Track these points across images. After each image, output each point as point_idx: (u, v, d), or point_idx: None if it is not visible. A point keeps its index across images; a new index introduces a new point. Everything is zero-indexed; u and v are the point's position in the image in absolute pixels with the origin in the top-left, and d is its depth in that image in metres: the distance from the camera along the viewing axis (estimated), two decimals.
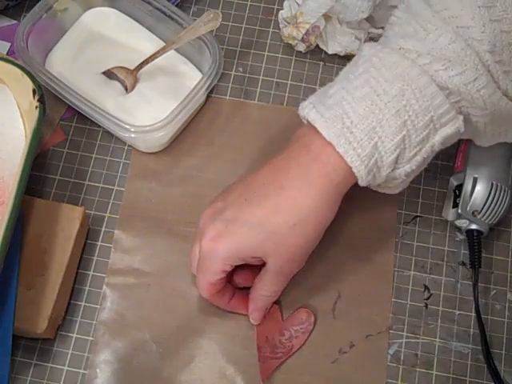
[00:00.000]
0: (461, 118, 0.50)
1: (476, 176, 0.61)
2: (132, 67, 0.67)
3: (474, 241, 0.61)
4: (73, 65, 0.68)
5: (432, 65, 0.49)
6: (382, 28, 0.68)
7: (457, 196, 0.63)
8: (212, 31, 0.66)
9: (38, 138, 0.59)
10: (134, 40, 0.70)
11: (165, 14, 0.67)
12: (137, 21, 0.70)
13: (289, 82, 0.70)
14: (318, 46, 0.70)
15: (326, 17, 0.68)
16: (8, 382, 0.55)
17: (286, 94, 0.70)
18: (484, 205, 0.60)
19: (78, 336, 0.61)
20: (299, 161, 0.52)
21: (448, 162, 0.67)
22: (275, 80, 0.70)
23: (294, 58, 0.71)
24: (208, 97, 0.69)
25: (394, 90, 0.49)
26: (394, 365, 0.60)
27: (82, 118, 0.66)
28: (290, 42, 0.70)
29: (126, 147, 0.68)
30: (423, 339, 0.61)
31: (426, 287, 0.63)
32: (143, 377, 0.59)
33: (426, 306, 0.62)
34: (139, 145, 0.67)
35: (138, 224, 0.64)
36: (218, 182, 0.65)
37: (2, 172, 0.61)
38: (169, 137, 0.66)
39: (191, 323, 0.61)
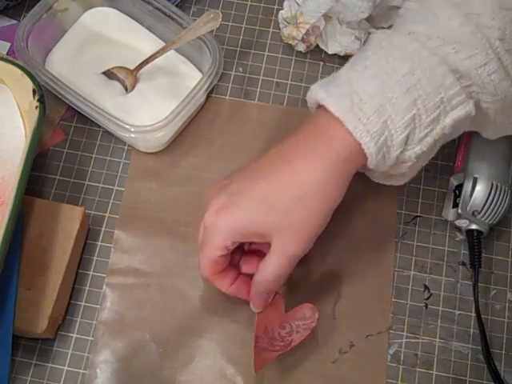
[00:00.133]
0: (471, 102, 0.50)
1: (476, 176, 0.61)
2: (132, 67, 0.67)
3: (474, 241, 0.61)
4: (73, 65, 0.68)
5: (442, 48, 0.49)
6: (382, 28, 0.68)
7: (457, 196, 0.63)
8: (212, 31, 0.66)
9: (38, 138, 0.59)
10: (133, 40, 0.70)
11: (165, 14, 0.67)
12: (137, 21, 0.70)
13: (289, 82, 0.70)
14: (318, 45, 0.70)
15: (326, 17, 0.68)
16: (8, 382, 0.55)
17: (286, 94, 0.70)
18: (484, 205, 0.60)
19: (78, 336, 0.61)
20: (306, 136, 0.51)
21: (448, 162, 0.67)
22: (275, 80, 0.70)
23: (293, 58, 0.71)
24: (208, 97, 0.69)
25: (404, 69, 0.48)
26: (394, 365, 0.60)
27: (82, 117, 0.66)
28: (289, 42, 0.70)
29: (125, 147, 0.68)
30: (423, 339, 0.61)
31: (425, 287, 0.63)
32: (143, 377, 0.59)
33: (426, 306, 0.62)
34: (139, 145, 0.67)
35: (137, 224, 0.64)
36: None
37: (2, 172, 0.61)
38: (169, 137, 0.66)
39: (191, 323, 0.61)
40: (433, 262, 0.63)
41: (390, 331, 0.61)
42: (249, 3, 0.74)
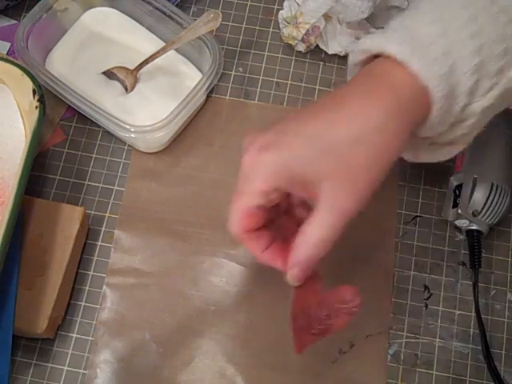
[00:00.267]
0: None
1: (476, 176, 0.61)
2: (132, 67, 0.67)
3: (474, 241, 0.61)
4: (73, 65, 0.68)
5: None
6: (382, 28, 0.68)
7: (457, 196, 0.63)
8: (212, 31, 0.66)
9: (38, 138, 0.59)
10: (133, 40, 0.70)
11: (165, 14, 0.67)
12: (137, 21, 0.71)
13: (289, 82, 0.70)
14: (318, 45, 0.70)
15: (326, 17, 0.68)
16: (8, 382, 0.55)
17: (286, 94, 0.70)
18: (484, 205, 0.60)
19: (78, 336, 0.61)
20: (362, 82, 0.46)
21: (448, 162, 0.66)
22: (275, 80, 0.70)
23: (293, 58, 0.71)
24: (208, 97, 0.69)
25: (466, 15, 0.45)
26: (394, 365, 0.60)
27: (82, 117, 0.66)
28: (289, 42, 0.70)
29: (126, 147, 0.68)
30: (423, 339, 0.61)
31: (426, 287, 0.63)
32: (143, 377, 0.59)
33: (426, 306, 0.62)
34: (139, 145, 0.67)
35: (138, 224, 0.64)
36: (218, 182, 0.66)
37: (2, 172, 0.61)
38: (169, 137, 0.66)
39: (191, 323, 0.61)
40: (433, 262, 0.63)
41: (390, 331, 0.61)
42: (249, 3, 0.74)
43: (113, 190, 0.66)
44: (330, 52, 0.70)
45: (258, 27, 0.73)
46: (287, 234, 0.48)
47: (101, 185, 0.66)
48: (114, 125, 0.62)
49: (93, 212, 0.65)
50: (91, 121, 0.66)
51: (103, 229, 0.64)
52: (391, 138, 0.44)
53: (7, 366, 0.55)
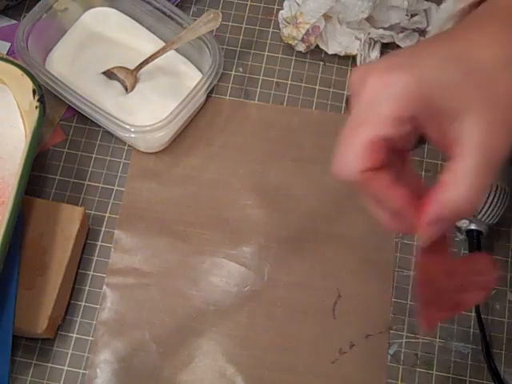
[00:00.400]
0: None
1: None
2: (132, 67, 0.67)
3: (474, 241, 0.61)
4: (73, 65, 0.68)
5: None
6: (382, 28, 0.68)
7: None
8: (212, 31, 0.66)
9: (38, 138, 0.59)
10: (134, 40, 0.70)
11: (165, 14, 0.67)
12: (137, 21, 0.70)
13: (289, 82, 0.70)
14: (318, 45, 0.70)
15: (326, 17, 0.68)
16: (8, 381, 0.55)
17: (286, 94, 0.70)
18: (484, 205, 0.60)
19: (78, 336, 0.61)
20: (490, 12, 0.39)
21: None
22: (275, 80, 0.70)
23: (293, 58, 0.71)
24: (208, 97, 0.69)
25: None
26: (394, 365, 0.60)
27: (82, 117, 0.66)
28: (289, 42, 0.70)
29: (125, 147, 0.68)
30: (423, 339, 0.61)
31: None
32: (143, 377, 0.59)
33: None
34: (139, 145, 0.67)
35: (138, 224, 0.64)
36: (218, 182, 0.66)
37: (2, 172, 0.61)
38: (169, 137, 0.66)
39: (191, 323, 0.61)
40: None
41: (390, 331, 0.61)
42: (249, 3, 0.74)
43: (113, 190, 0.66)
44: (330, 52, 0.70)
45: (257, 27, 0.73)
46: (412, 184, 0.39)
47: (101, 185, 0.66)
48: (114, 125, 0.62)
49: (93, 212, 0.65)
50: (91, 121, 0.66)
51: (103, 229, 0.64)
52: None
53: (7, 366, 0.55)
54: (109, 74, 0.68)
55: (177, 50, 0.68)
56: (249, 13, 0.74)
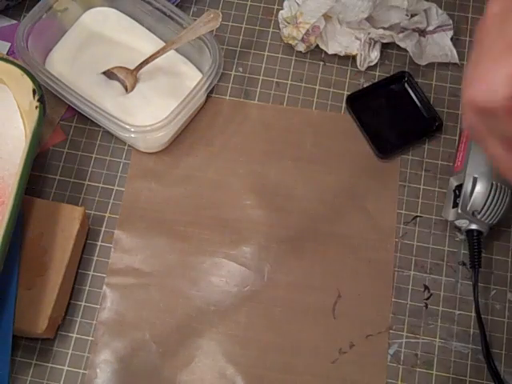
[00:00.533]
0: None
1: (476, 176, 0.61)
2: (132, 67, 0.67)
3: (474, 241, 0.61)
4: (73, 65, 0.68)
5: None
6: (383, 28, 0.68)
7: (457, 196, 0.63)
8: (212, 31, 0.66)
9: (38, 138, 0.59)
10: (133, 40, 0.70)
11: (165, 14, 0.67)
12: (137, 21, 0.71)
13: (289, 82, 0.70)
14: (317, 45, 0.70)
15: (326, 17, 0.68)
16: (8, 382, 0.55)
17: (286, 94, 0.70)
18: (484, 205, 0.60)
19: (78, 336, 0.61)
20: None
21: (448, 162, 0.67)
22: (275, 80, 0.70)
23: (293, 58, 0.71)
24: (208, 97, 0.69)
25: None
26: (394, 365, 0.60)
27: (82, 117, 0.66)
28: (289, 42, 0.70)
29: (125, 147, 0.68)
30: (423, 339, 0.61)
31: (426, 287, 0.62)
32: (143, 377, 0.59)
33: (426, 305, 0.62)
34: (139, 145, 0.67)
35: (138, 224, 0.64)
36: (218, 182, 0.66)
37: (2, 172, 0.61)
38: (169, 137, 0.66)
39: (191, 323, 0.61)
40: (433, 261, 0.63)
41: (390, 331, 0.61)
42: (249, 3, 0.74)
43: (113, 190, 0.66)
44: (330, 52, 0.70)
45: (257, 27, 0.73)
46: None
47: (101, 185, 0.66)
48: (114, 125, 0.62)
49: (93, 212, 0.65)
50: (91, 121, 0.66)
51: (103, 229, 0.64)
52: None
53: (7, 366, 0.55)
54: (109, 74, 0.68)
55: (177, 49, 0.68)
56: (249, 13, 0.74)
